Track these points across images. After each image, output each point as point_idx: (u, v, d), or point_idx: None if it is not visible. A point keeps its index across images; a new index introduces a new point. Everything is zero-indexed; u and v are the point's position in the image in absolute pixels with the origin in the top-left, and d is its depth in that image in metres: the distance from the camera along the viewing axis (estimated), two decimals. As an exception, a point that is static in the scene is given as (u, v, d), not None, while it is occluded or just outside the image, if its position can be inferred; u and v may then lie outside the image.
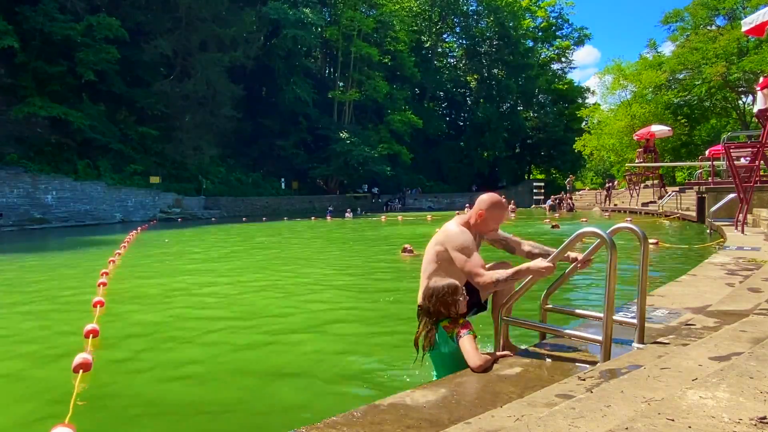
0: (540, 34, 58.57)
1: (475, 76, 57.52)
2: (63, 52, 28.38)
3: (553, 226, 17.72)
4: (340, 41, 43.77)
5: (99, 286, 7.34)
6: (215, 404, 3.38)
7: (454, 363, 2.83)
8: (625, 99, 40.18)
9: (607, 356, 2.75)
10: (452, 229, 3.13)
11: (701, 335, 3.01)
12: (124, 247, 13.41)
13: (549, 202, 34.30)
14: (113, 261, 10.37)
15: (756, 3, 31.46)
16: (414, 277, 8.49)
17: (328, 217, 31.08)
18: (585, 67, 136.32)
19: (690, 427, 1.47)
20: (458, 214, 3.58)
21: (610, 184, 29.09)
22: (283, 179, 42.70)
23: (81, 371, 3.69)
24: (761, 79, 11.87)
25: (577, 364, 2.86)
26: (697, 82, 37.07)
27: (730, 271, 5.72)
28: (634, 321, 3.05)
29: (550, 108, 58.36)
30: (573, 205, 31.43)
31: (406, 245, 10.94)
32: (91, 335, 4.63)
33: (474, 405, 2.28)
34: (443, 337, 2.88)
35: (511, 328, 3.32)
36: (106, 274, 8.48)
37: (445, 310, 2.88)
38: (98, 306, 5.89)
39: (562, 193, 34.24)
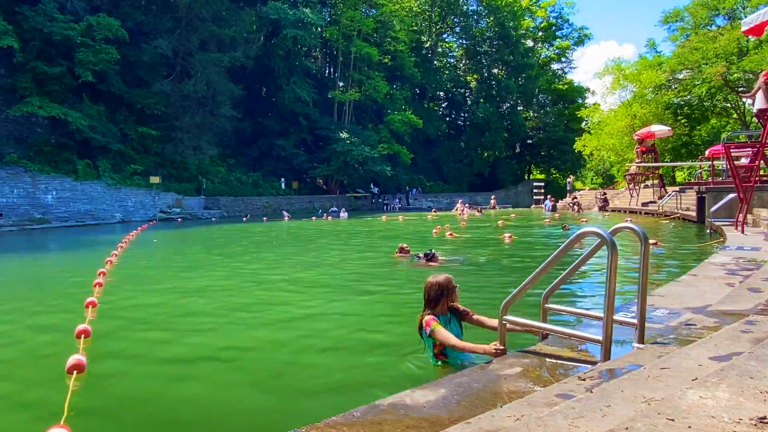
0: (540, 34, 58.61)
1: (475, 76, 57.48)
2: (62, 52, 28.34)
3: (563, 227, 17.69)
4: (340, 41, 43.73)
5: (95, 286, 7.33)
6: (212, 405, 3.37)
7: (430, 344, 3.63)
8: (625, 99, 40.15)
9: (607, 356, 2.75)
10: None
11: (701, 335, 3.01)
12: (122, 247, 13.39)
13: (548, 202, 34.26)
14: (110, 261, 10.37)
15: (756, 3, 31.45)
16: (409, 276, 8.49)
17: (329, 217, 31.00)
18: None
19: (690, 427, 1.47)
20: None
21: (604, 200, 29.23)
22: (283, 179, 42.64)
23: (75, 372, 3.68)
24: (762, 77, 11.80)
25: (577, 364, 2.86)
26: (697, 82, 37.00)
27: (730, 271, 5.72)
28: (634, 321, 3.05)
29: (550, 108, 58.36)
30: (581, 205, 31.37)
31: (403, 245, 10.83)
32: (82, 335, 4.63)
33: (474, 405, 2.28)
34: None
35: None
36: (104, 273, 8.48)
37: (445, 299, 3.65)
38: (90, 306, 5.90)
39: (575, 194, 34.18)
